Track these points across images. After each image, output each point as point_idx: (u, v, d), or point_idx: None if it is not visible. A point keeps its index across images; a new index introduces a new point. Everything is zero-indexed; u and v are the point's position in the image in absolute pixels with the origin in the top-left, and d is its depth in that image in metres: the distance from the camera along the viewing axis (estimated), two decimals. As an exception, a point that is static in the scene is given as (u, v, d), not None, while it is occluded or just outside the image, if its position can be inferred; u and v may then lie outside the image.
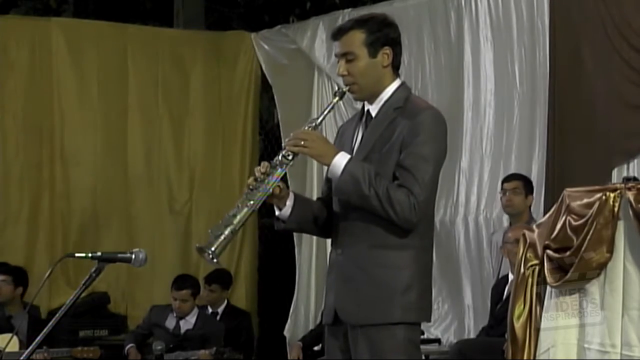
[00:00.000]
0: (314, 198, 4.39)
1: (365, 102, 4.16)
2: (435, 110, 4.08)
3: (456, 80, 8.39)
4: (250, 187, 3.97)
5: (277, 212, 4.09)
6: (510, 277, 6.88)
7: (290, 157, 3.99)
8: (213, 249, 3.89)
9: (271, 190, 3.97)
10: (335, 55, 4.14)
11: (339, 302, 4.04)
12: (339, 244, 4.09)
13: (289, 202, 4.06)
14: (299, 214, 4.08)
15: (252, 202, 3.95)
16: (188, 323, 8.41)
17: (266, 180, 3.96)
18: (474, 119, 8.24)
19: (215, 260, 3.91)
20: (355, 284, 3.99)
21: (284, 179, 4.05)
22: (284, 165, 3.99)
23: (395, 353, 3.95)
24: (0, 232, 9.20)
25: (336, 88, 8.82)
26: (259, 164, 4.04)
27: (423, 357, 7.21)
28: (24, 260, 9.04)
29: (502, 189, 7.61)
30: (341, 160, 3.97)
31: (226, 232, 3.90)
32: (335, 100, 4.15)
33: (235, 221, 3.92)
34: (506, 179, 7.64)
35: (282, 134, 9.68)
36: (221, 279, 9.13)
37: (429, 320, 4.12)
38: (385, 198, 3.90)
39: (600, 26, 7.37)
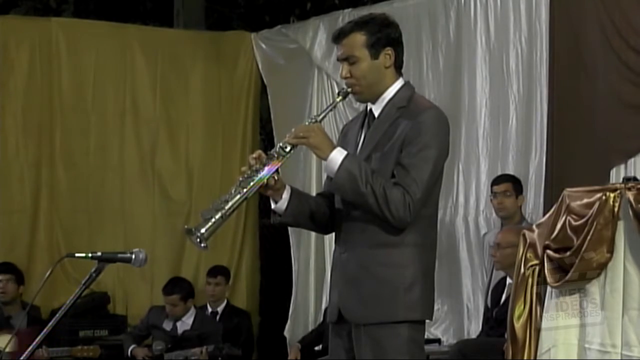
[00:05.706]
0: (312, 194, 4.38)
1: (369, 102, 4.15)
2: (438, 110, 4.07)
3: (454, 81, 8.38)
4: (245, 174, 3.94)
5: (273, 205, 4.06)
6: (508, 278, 6.88)
7: (287, 149, 3.98)
8: (202, 231, 3.85)
9: (266, 180, 3.94)
10: (338, 59, 4.12)
11: (343, 301, 4.04)
12: (342, 243, 4.08)
13: (285, 195, 4.04)
14: (295, 208, 4.06)
15: (245, 190, 3.91)
16: (185, 324, 8.41)
17: (261, 170, 3.94)
18: (471, 119, 8.24)
19: (203, 245, 3.87)
20: (358, 282, 3.99)
21: (279, 173, 4.03)
22: (281, 157, 3.97)
23: (398, 352, 3.95)
24: (2, 231, 9.20)
25: (336, 88, 8.95)
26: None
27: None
28: (25, 260, 9.05)
29: (492, 192, 7.57)
30: (338, 156, 3.96)
31: (216, 217, 3.86)
32: (338, 100, 4.15)
33: (227, 206, 3.88)
34: (495, 182, 7.57)
35: (274, 133, 9.69)
36: (223, 270, 9.14)
37: (431, 318, 4.10)
38: (382, 196, 3.89)
39: (599, 27, 7.37)
